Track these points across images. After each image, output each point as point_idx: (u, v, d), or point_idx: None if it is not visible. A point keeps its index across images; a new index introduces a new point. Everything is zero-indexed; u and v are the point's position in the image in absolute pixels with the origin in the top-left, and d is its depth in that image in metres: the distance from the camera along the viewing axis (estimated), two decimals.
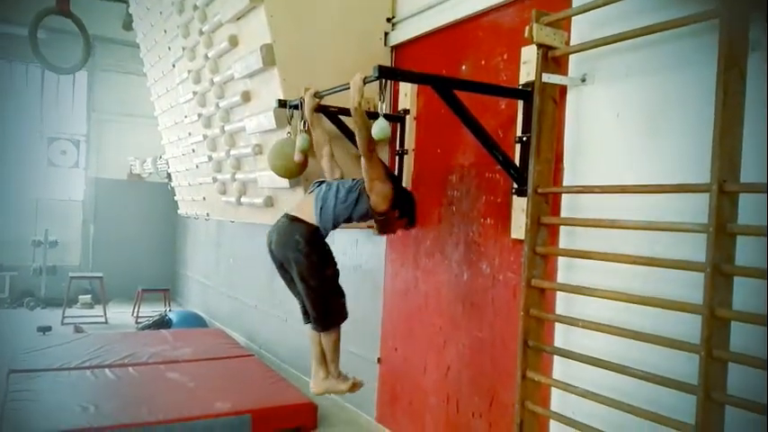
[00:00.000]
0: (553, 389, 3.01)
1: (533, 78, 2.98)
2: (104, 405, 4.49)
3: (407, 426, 4.33)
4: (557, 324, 3.03)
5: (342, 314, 3.58)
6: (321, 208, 3.45)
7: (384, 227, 3.58)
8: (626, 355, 2.54)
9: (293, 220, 3.49)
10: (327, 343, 3.60)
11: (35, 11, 7.84)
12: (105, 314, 8.85)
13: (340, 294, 3.58)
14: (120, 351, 5.99)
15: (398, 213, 3.49)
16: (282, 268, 3.57)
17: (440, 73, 3.83)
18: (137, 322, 8.65)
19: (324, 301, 3.50)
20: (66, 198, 10.74)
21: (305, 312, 3.63)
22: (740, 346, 2.15)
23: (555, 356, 3.01)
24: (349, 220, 3.51)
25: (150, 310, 8.92)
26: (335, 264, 3.55)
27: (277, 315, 6.57)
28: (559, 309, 3.02)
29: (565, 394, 2.87)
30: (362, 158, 3.28)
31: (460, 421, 3.79)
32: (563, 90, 3.04)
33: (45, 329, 7.57)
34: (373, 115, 3.19)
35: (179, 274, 10.93)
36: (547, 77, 2.88)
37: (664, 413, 2.33)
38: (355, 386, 3.71)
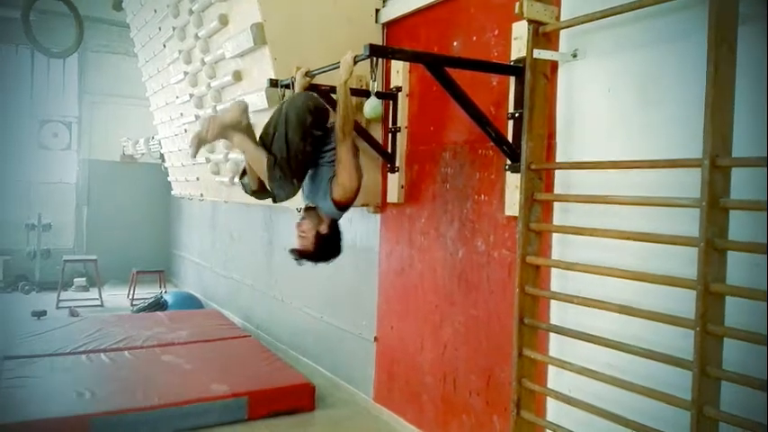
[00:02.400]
0: (549, 366, 3.01)
1: (525, 54, 2.95)
2: (100, 390, 4.47)
3: (405, 405, 4.34)
4: (552, 301, 3.02)
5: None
6: None
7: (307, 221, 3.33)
8: (621, 331, 2.54)
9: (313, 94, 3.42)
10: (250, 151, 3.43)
11: None
12: (101, 297, 8.82)
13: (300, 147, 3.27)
14: (116, 335, 5.99)
15: (319, 237, 3.27)
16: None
17: (431, 50, 3.79)
18: (132, 304, 8.64)
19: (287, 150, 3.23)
20: (59, 181, 10.65)
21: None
22: (735, 321, 2.14)
23: (551, 334, 3.01)
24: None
25: (145, 292, 8.90)
26: (315, 147, 3.29)
27: (273, 295, 6.56)
28: (554, 286, 3.01)
29: (561, 371, 2.88)
30: (336, 137, 3.15)
31: (458, 399, 3.81)
32: (554, 66, 3.02)
33: (40, 314, 7.56)
34: (365, 94, 3.15)
35: (174, 255, 10.90)
36: (538, 53, 2.85)
37: (659, 389, 2.34)
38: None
